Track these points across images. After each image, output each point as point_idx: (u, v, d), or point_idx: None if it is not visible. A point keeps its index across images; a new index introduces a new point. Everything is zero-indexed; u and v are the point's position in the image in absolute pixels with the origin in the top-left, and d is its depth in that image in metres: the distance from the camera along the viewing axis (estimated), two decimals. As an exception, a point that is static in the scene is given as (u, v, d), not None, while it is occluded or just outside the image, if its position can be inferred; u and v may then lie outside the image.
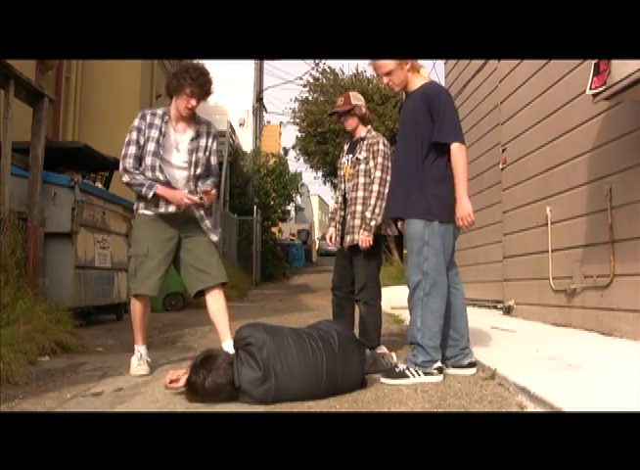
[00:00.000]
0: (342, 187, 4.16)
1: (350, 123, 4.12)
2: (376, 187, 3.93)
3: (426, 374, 3.09)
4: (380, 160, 3.98)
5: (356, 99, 4.15)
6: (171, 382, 2.80)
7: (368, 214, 3.89)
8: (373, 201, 3.91)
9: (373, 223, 3.87)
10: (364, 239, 3.85)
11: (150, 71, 9.45)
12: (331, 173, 14.72)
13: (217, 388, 2.61)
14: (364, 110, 4.14)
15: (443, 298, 3.18)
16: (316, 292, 12.71)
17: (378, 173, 3.95)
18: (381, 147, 4.01)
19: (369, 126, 4.17)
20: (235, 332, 2.80)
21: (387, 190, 3.83)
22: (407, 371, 3.11)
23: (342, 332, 2.91)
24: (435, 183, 3.18)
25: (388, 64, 3.20)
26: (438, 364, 3.17)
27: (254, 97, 22.93)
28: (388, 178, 3.86)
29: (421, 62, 3.33)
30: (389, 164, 3.93)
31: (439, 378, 3.11)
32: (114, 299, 6.51)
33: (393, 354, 3.39)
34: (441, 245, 3.16)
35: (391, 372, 3.14)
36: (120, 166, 3.49)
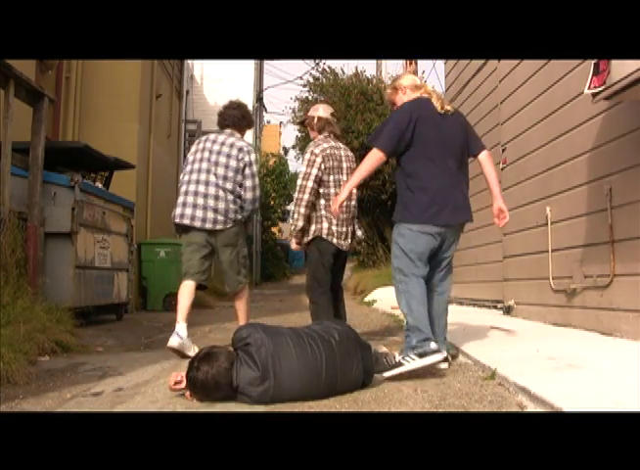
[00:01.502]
0: None
1: (310, 133, 4.43)
2: (295, 194, 4.18)
3: (421, 356, 3.08)
4: (303, 168, 4.18)
5: (313, 110, 4.40)
6: (176, 384, 2.78)
7: (290, 220, 4.28)
8: (292, 207, 4.25)
9: (292, 228, 4.20)
10: (292, 243, 4.34)
11: (150, 71, 9.43)
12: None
13: (216, 385, 2.60)
14: (315, 120, 4.31)
15: (421, 286, 3.29)
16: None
17: (299, 181, 4.16)
18: (307, 155, 4.19)
19: (323, 134, 4.28)
20: (234, 333, 2.80)
21: (306, 195, 4.07)
22: (403, 360, 3.11)
23: (344, 332, 2.91)
24: (399, 189, 3.48)
25: (390, 95, 3.60)
26: (434, 345, 3.14)
27: (254, 97, 22.93)
28: (309, 184, 4.07)
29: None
30: (314, 172, 4.09)
31: (437, 357, 3.10)
32: (114, 299, 6.52)
33: (395, 354, 3.38)
34: (405, 243, 3.32)
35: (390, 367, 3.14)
36: None
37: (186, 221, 4.02)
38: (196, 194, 4.03)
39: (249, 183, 4.11)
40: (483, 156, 3.61)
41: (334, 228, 4.14)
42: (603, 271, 4.27)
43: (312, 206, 4.13)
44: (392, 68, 38.87)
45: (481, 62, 7.16)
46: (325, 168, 4.12)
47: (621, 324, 4.02)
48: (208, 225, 4.01)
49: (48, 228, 5.17)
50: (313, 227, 4.13)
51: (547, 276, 5.17)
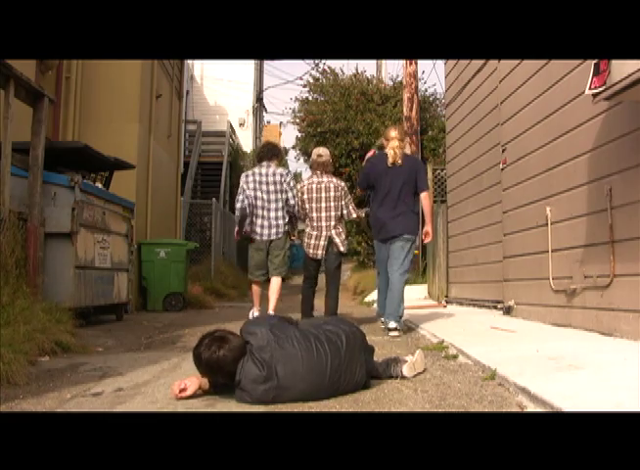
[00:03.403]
0: None
1: None
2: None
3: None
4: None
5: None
6: (181, 391, 2.72)
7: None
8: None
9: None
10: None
11: (150, 71, 9.43)
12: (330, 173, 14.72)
13: (219, 369, 2.61)
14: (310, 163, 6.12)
15: (378, 279, 5.46)
16: (316, 292, 12.68)
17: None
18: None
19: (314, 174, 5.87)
20: (240, 328, 2.79)
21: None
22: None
23: (351, 333, 2.88)
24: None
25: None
26: (388, 324, 4.96)
27: (254, 97, 22.93)
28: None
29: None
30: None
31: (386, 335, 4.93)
32: (114, 299, 6.51)
33: (409, 358, 3.33)
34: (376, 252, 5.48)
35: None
36: None
37: (257, 237, 5.71)
38: (260, 217, 5.67)
39: (292, 202, 5.69)
40: (422, 195, 5.22)
41: (309, 241, 5.70)
42: (603, 271, 4.27)
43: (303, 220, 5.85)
44: (392, 68, 38.86)
45: (482, 62, 7.16)
46: (306, 198, 5.69)
47: (621, 324, 4.02)
48: (265, 238, 5.68)
49: (48, 228, 5.17)
50: None
51: (547, 276, 5.17)
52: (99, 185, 6.61)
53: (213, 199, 14.56)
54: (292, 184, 5.74)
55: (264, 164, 5.78)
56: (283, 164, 22.78)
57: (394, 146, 5.17)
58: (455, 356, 3.79)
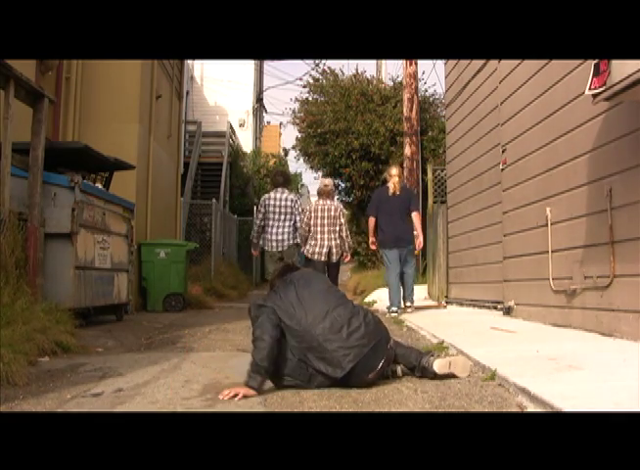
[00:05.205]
0: None
1: None
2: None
3: (389, 312, 6.90)
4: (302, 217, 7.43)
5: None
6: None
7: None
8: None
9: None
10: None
11: (150, 72, 9.42)
12: (331, 174, 14.65)
13: (271, 283, 3.44)
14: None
15: (391, 277, 7.10)
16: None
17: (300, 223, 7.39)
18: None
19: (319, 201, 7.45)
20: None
21: (301, 230, 7.28)
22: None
23: (373, 317, 3.09)
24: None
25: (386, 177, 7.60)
26: (394, 309, 6.90)
27: (254, 97, 22.96)
28: (301, 225, 7.24)
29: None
30: (304, 219, 7.22)
31: (393, 314, 6.81)
32: (114, 299, 6.51)
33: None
34: (386, 257, 7.19)
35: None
36: None
37: (273, 249, 7.18)
38: (276, 234, 7.17)
39: (299, 223, 7.20)
40: (413, 215, 7.13)
41: (314, 249, 7.15)
42: (603, 272, 4.27)
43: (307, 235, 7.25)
44: (392, 68, 38.83)
45: (482, 62, 7.16)
46: (310, 217, 7.16)
47: (621, 325, 4.02)
48: (279, 248, 7.19)
49: (48, 229, 5.16)
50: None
51: (547, 277, 5.17)
52: (99, 185, 6.61)
53: (213, 199, 14.57)
54: (300, 210, 7.28)
55: (279, 190, 7.27)
56: (282, 164, 22.83)
57: (395, 181, 7.13)
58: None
